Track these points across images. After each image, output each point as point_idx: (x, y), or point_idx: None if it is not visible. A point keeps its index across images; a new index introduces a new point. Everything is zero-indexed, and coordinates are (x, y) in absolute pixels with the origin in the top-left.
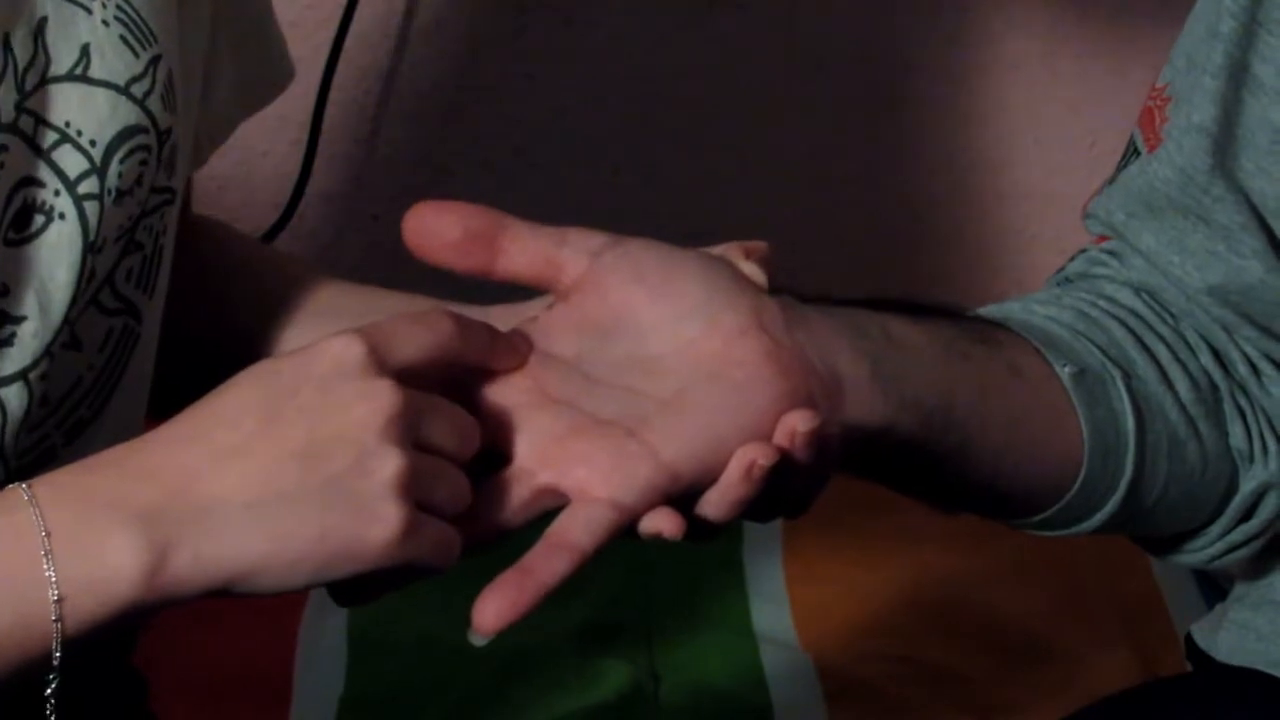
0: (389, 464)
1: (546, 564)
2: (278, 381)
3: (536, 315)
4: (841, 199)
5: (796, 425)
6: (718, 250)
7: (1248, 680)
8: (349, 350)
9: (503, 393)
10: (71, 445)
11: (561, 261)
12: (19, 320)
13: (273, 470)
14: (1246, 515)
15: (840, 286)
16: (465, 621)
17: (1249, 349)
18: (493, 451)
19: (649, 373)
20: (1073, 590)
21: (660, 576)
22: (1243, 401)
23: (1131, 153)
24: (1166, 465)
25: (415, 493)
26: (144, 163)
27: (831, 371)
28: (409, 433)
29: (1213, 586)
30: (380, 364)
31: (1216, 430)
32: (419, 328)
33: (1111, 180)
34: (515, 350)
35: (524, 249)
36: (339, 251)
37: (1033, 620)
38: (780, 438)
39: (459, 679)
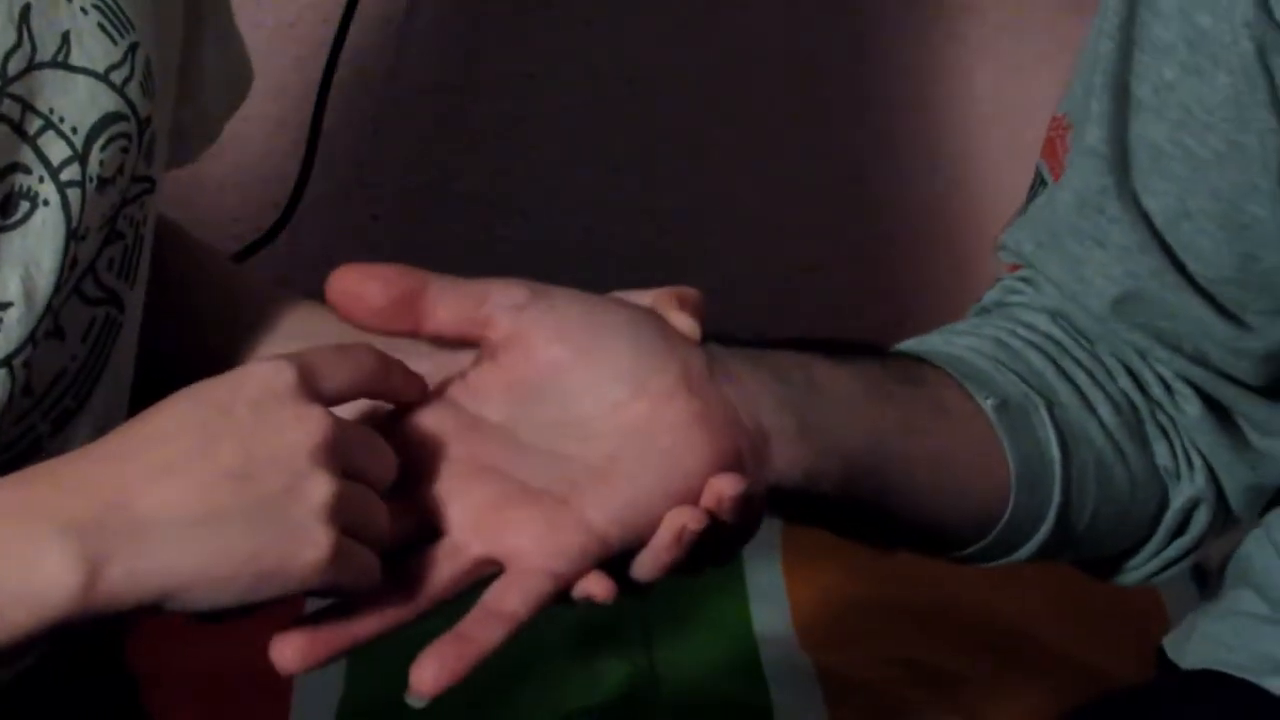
0: (321, 489)
1: (483, 632)
2: (210, 401)
3: (465, 373)
4: (841, 198)
5: (724, 490)
6: (648, 299)
7: (1212, 682)
8: (280, 375)
9: (436, 461)
10: (57, 436)
11: (486, 319)
12: (5, 306)
13: (207, 489)
14: (1179, 531)
15: (840, 285)
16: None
17: (1163, 370)
18: (426, 520)
19: (578, 437)
20: (1072, 591)
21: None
22: (1163, 420)
23: (1039, 184)
24: (1095, 489)
25: (343, 519)
26: (125, 150)
27: (758, 427)
28: (339, 459)
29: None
30: (310, 391)
31: (1141, 451)
32: (346, 359)
33: (1022, 211)
34: (419, 385)
35: (447, 309)
36: (339, 251)
37: (1033, 622)
38: (708, 501)
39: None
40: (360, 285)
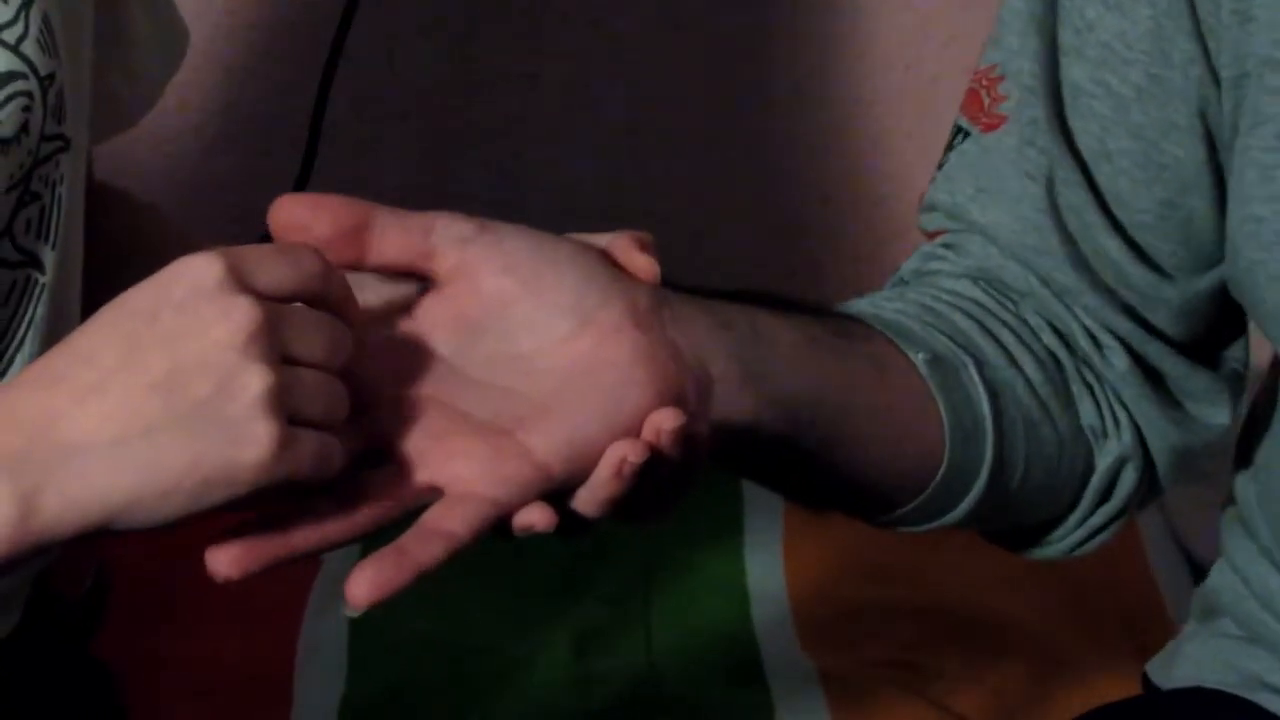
0: (253, 382)
1: (423, 548)
2: (135, 311)
3: (411, 306)
4: (843, 199)
5: (663, 423)
6: (604, 240)
7: (1202, 699)
8: (207, 270)
9: (380, 391)
10: None
11: (430, 251)
12: None
13: (134, 404)
14: (1105, 495)
15: (843, 284)
16: (466, 622)
17: (1089, 320)
18: (371, 448)
19: (523, 371)
20: (1073, 592)
21: (660, 578)
22: (1089, 377)
23: (958, 135)
24: (1024, 447)
25: (287, 408)
26: (27, 109)
27: (702, 368)
28: (273, 348)
29: None
30: (238, 283)
31: (1067, 410)
32: (284, 257)
33: (941, 167)
34: (357, 305)
35: (393, 241)
36: None
37: (1034, 623)
38: (648, 434)
39: (459, 679)
40: (304, 216)
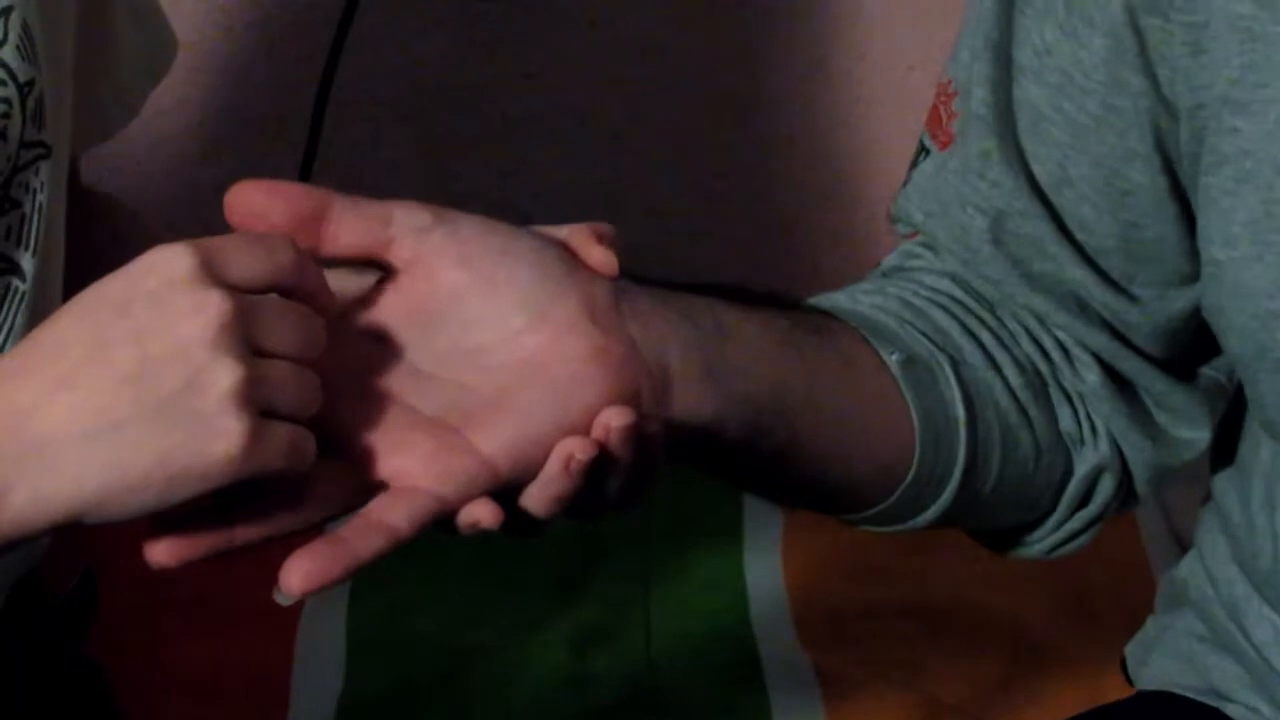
0: (224, 376)
1: (362, 540)
2: (106, 302)
3: (366, 296)
4: (843, 199)
5: (611, 421)
6: (563, 232)
7: (1166, 704)
8: (178, 262)
9: (331, 383)
10: None
11: (387, 241)
12: None
13: (104, 398)
14: (1083, 500)
15: (842, 284)
16: (465, 621)
17: (1061, 335)
18: (321, 439)
19: (475, 365)
20: (1073, 592)
21: (660, 577)
22: (1067, 385)
23: (920, 152)
24: (1000, 452)
25: (258, 401)
26: (5, 115)
27: (661, 367)
28: (245, 341)
29: None
30: (211, 275)
31: (1046, 415)
32: (257, 248)
33: (906, 180)
34: (330, 294)
35: (350, 230)
36: None
37: (1033, 623)
38: (597, 432)
39: (458, 678)
40: (262, 203)
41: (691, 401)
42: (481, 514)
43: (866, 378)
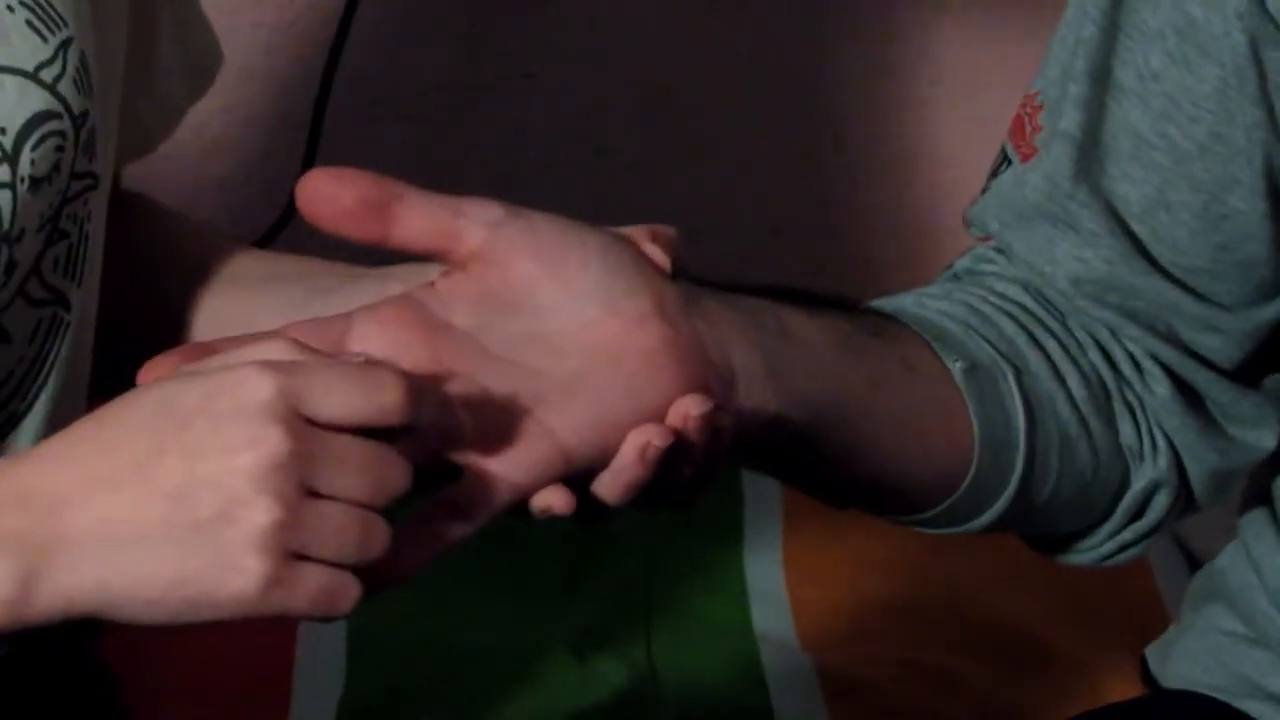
0: (259, 514)
1: (442, 528)
2: (173, 411)
3: (434, 281)
4: (843, 203)
5: (690, 409)
6: (625, 231)
7: (1189, 704)
8: (258, 389)
9: (396, 358)
10: (6, 439)
11: (457, 232)
12: None
13: (140, 507)
14: (1138, 514)
15: (841, 287)
16: (465, 622)
17: (1133, 348)
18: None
19: (546, 352)
20: (1073, 593)
21: (660, 578)
22: (1131, 398)
23: (1003, 162)
24: (1058, 463)
25: (293, 544)
26: (60, 149)
27: (726, 363)
28: (295, 482)
29: None
30: (286, 408)
31: (1107, 427)
32: (359, 384)
33: (985, 189)
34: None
35: (420, 218)
36: (339, 252)
37: (1033, 623)
38: (674, 420)
39: (459, 680)
40: (332, 186)
41: (755, 399)
42: (554, 500)
43: (928, 383)
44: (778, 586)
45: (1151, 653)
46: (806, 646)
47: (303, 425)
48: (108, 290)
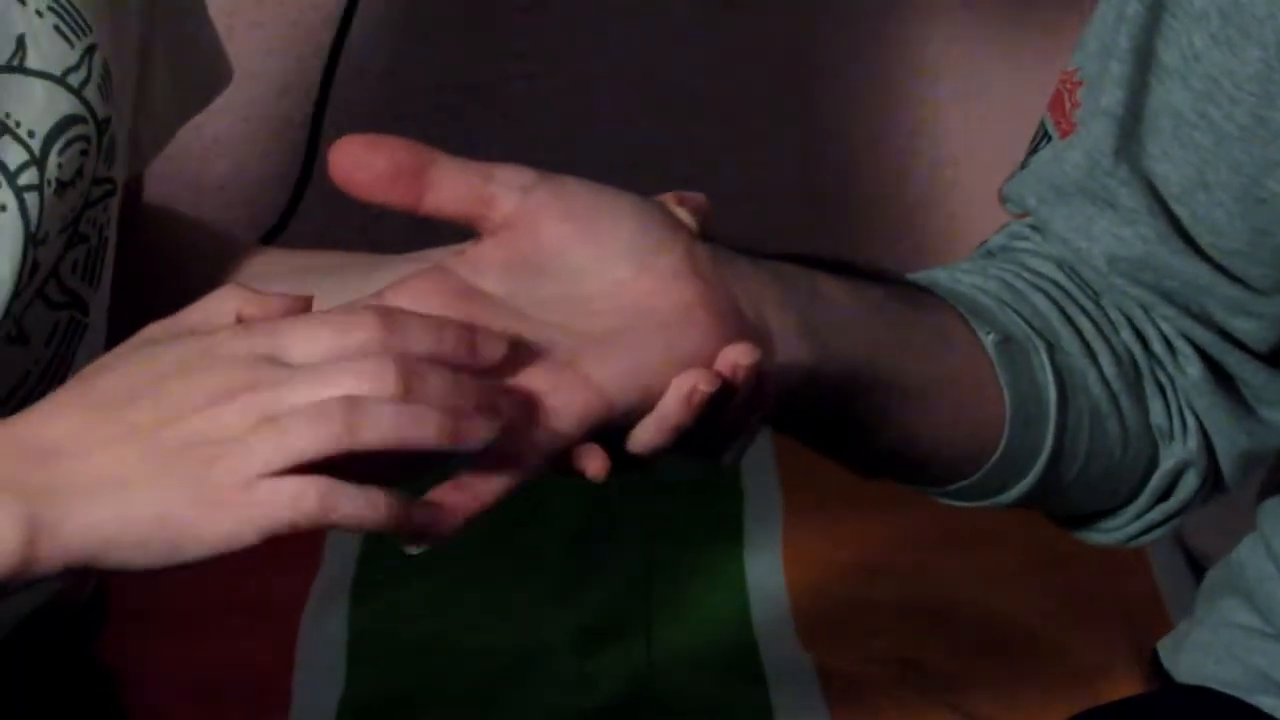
0: (234, 456)
1: (485, 484)
2: (154, 359)
3: (463, 249)
4: (842, 200)
5: (740, 359)
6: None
7: (1202, 698)
8: (231, 339)
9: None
10: None
11: (490, 197)
12: None
13: (122, 452)
14: (1165, 494)
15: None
16: (466, 622)
17: (1166, 327)
18: None
19: (581, 312)
20: (1073, 591)
21: (660, 577)
22: (1162, 378)
23: (1042, 137)
24: (1088, 440)
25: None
26: (84, 153)
27: (760, 319)
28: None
29: None
30: (253, 356)
31: (1138, 406)
32: (327, 326)
33: (1023, 165)
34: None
35: (452, 184)
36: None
37: (1034, 621)
38: (722, 367)
39: (459, 680)
40: (365, 152)
41: (789, 356)
42: (589, 464)
43: (960, 353)
44: (778, 586)
45: (1163, 646)
46: (806, 645)
47: (270, 366)
48: (135, 301)
